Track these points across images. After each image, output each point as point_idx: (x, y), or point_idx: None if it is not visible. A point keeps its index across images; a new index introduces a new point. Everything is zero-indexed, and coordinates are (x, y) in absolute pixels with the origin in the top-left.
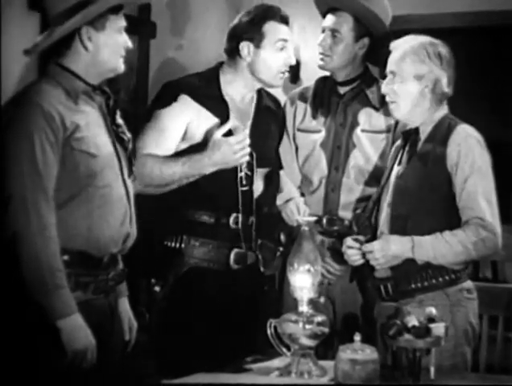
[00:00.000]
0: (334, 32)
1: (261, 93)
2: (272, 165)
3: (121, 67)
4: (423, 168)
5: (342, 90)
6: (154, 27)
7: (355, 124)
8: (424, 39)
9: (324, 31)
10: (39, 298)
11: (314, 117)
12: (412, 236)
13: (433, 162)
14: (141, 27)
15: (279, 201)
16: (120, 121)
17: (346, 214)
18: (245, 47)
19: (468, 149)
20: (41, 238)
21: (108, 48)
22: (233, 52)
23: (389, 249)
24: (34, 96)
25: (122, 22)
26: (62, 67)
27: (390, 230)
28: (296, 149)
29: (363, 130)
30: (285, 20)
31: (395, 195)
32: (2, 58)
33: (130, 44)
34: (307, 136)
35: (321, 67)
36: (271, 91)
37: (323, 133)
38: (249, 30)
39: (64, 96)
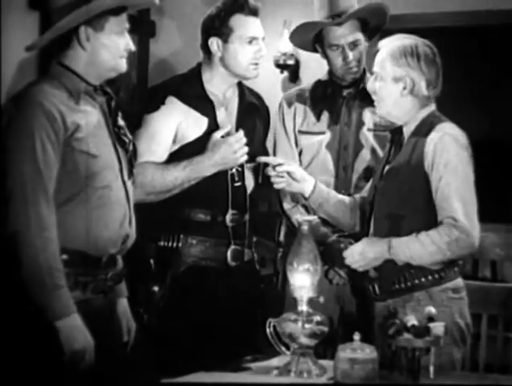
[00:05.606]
0: (355, 43)
1: (242, 89)
2: None
3: (123, 67)
4: (405, 167)
5: (345, 91)
6: (154, 26)
7: (360, 123)
8: (407, 40)
9: (342, 49)
10: (38, 298)
11: (317, 118)
12: (390, 237)
13: (413, 161)
14: (140, 26)
15: (287, 205)
16: (121, 122)
17: None
18: (214, 43)
19: (442, 148)
20: (40, 238)
21: (106, 49)
22: (205, 48)
23: (367, 251)
24: (36, 95)
25: (124, 24)
26: (64, 66)
27: (374, 231)
28: (300, 152)
29: (369, 129)
30: (254, 12)
31: (378, 196)
32: (2, 58)
33: (132, 47)
34: (310, 138)
35: (353, 79)
36: (259, 89)
37: (328, 135)
38: (216, 25)
39: (66, 95)
